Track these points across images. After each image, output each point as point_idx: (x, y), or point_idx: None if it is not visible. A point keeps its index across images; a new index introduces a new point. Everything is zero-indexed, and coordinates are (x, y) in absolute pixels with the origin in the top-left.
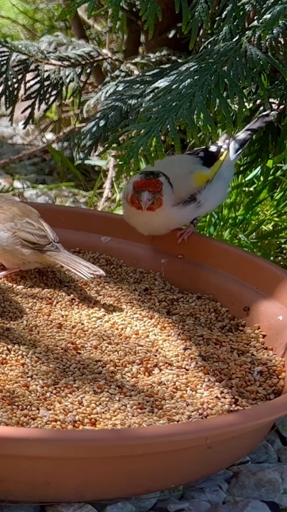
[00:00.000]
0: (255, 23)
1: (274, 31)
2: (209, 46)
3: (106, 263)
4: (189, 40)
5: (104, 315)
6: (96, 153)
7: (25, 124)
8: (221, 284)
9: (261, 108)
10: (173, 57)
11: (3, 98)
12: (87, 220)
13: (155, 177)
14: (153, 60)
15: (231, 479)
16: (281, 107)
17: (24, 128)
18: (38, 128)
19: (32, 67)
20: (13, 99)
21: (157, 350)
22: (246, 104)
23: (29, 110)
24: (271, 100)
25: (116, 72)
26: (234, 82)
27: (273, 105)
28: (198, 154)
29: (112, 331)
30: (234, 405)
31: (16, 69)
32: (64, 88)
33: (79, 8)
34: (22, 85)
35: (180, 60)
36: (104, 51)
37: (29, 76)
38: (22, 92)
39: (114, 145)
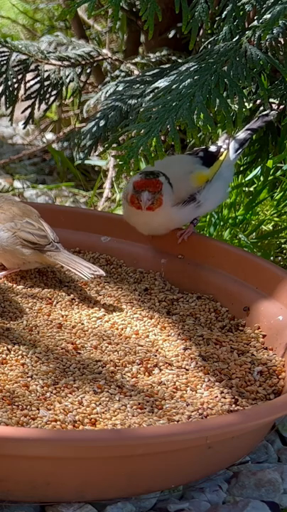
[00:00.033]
0: (255, 23)
1: (274, 31)
2: (209, 46)
3: (106, 263)
4: (189, 40)
5: (104, 315)
6: (96, 153)
7: (25, 124)
8: (221, 284)
9: (261, 108)
10: (173, 57)
11: (3, 98)
12: (87, 220)
13: (155, 177)
14: (153, 60)
15: (231, 479)
16: (281, 107)
17: (24, 128)
18: (38, 128)
19: (32, 67)
20: (13, 99)
21: (157, 350)
22: (246, 104)
23: (29, 110)
24: (271, 100)
25: (116, 72)
26: (234, 82)
27: (273, 105)
28: (198, 154)
29: (112, 331)
30: (234, 405)
31: (16, 69)
32: (64, 88)
33: (79, 8)
34: (22, 85)
35: (180, 60)
36: (104, 51)
37: (29, 76)
38: (22, 92)
39: (114, 145)
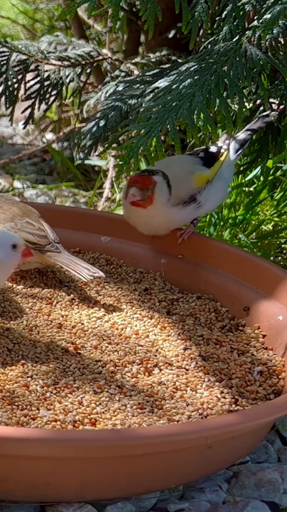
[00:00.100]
0: (255, 23)
1: (274, 31)
2: (209, 46)
3: (106, 263)
4: (189, 40)
5: (104, 315)
6: (96, 153)
7: (25, 124)
8: (222, 284)
9: (261, 108)
10: (173, 57)
11: (3, 98)
12: (87, 220)
13: (151, 174)
14: (153, 60)
15: (231, 479)
16: (281, 107)
17: (24, 128)
18: (38, 128)
19: (32, 67)
20: (13, 99)
21: (157, 350)
22: (246, 104)
23: (29, 110)
24: (271, 100)
25: (116, 72)
26: (234, 82)
27: (273, 105)
28: (198, 155)
29: (112, 331)
30: (234, 405)
31: (16, 69)
32: (64, 88)
33: (79, 8)
34: (22, 85)
35: (180, 60)
36: (104, 51)
37: (29, 76)
38: (22, 92)
39: (114, 145)
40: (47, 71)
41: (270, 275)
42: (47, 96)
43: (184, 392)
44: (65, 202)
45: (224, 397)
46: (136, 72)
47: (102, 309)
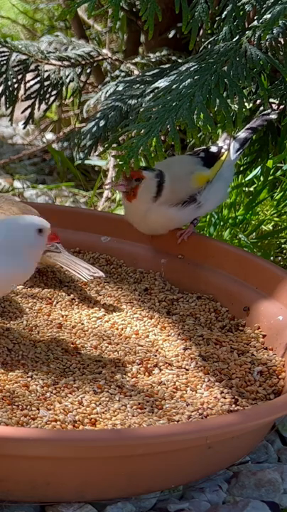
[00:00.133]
0: (255, 23)
1: (274, 31)
2: (209, 46)
3: (106, 263)
4: (189, 40)
5: (104, 315)
6: (96, 153)
7: (25, 124)
8: (222, 284)
9: (261, 108)
10: (173, 57)
11: (3, 98)
12: (87, 220)
13: (145, 170)
14: (153, 60)
15: (231, 479)
16: (281, 107)
17: (24, 128)
18: (38, 128)
19: (32, 67)
20: (13, 99)
21: (157, 350)
22: (246, 104)
23: (29, 110)
24: (271, 100)
25: (116, 72)
26: (234, 82)
27: (273, 105)
28: (199, 155)
29: (112, 331)
30: (234, 405)
31: (16, 69)
32: (64, 88)
33: (79, 8)
34: (22, 85)
35: (180, 60)
36: (104, 51)
37: (29, 76)
38: (22, 92)
39: (114, 145)
40: (47, 71)
41: (270, 275)
42: (47, 96)
43: (184, 392)
44: (65, 202)
45: (224, 397)
46: (136, 72)
47: (102, 309)
